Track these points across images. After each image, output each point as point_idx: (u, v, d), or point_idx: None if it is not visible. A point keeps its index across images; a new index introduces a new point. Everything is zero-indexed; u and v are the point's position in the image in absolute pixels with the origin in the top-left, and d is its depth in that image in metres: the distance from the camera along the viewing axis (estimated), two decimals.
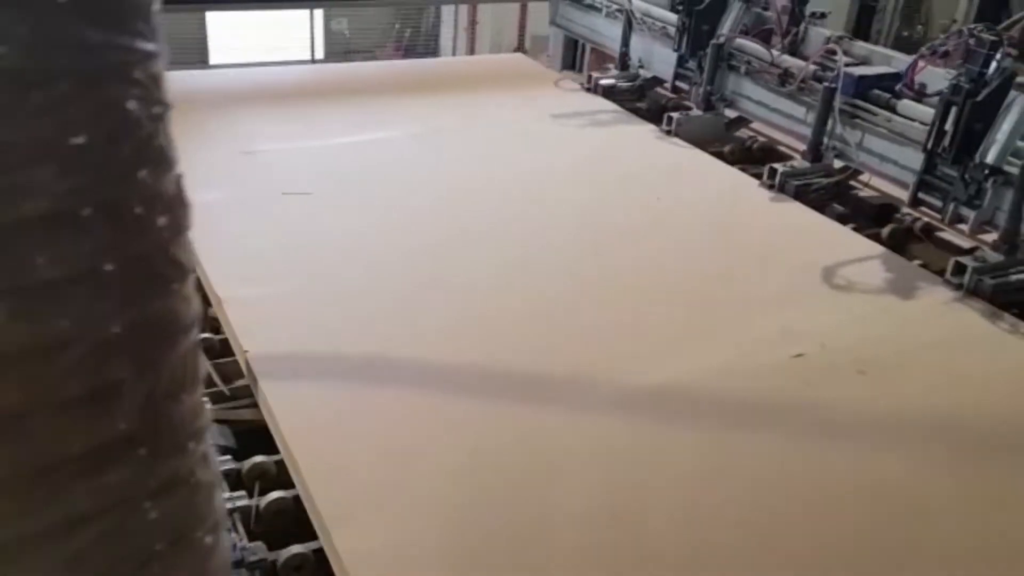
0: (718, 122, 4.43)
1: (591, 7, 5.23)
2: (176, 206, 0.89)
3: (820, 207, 3.70)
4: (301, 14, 7.78)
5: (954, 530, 2.09)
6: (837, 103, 3.63)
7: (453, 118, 4.46)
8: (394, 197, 3.58)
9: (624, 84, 4.89)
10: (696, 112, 4.41)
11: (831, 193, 3.77)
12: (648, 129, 4.47)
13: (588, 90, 4.91)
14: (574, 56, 5.66)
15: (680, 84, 4.61)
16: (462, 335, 2.67)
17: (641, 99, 4.90)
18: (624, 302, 2.94)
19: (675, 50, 4.51)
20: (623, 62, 4.96)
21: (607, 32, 5.13)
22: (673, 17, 4.53)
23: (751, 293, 3.01)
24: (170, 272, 0.87)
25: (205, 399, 0.94)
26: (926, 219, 3.53)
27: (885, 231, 3.55)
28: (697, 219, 3.57)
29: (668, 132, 4.37)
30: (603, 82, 4.87)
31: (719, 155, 4.26)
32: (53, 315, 0.76)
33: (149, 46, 0.84)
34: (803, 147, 3.88)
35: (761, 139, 4.45)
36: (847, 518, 2.09)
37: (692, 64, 4.47)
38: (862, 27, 8.04)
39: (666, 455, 2.25)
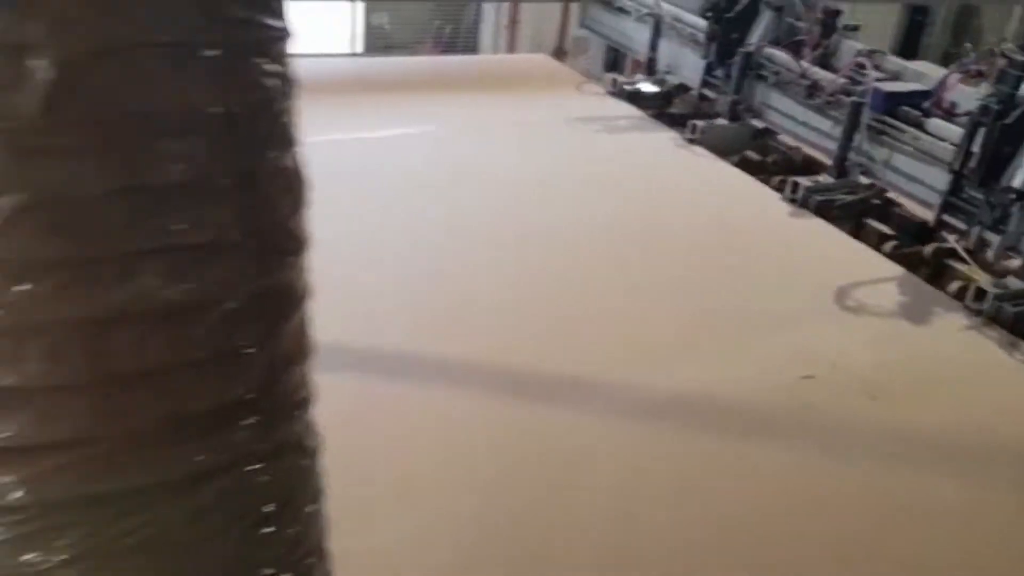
0: (743, 132, 4.44)
1: (620, 10, 5.23)
2: (296, 182, 0.92)
3: (857, 224, 3.68)
4: (342, 7, 7.72)
5: (956, 546, 2.12)
6: (865, 119, 3.63)
7: (472, 117, 4.47)
8: (403, 195, 3.57)
9: (650, 90, 4.91)
10: (721, 121, 4.43)
11: (855, 210, 3.75)
12: (670, 136, 4.47)
13: (612, 94, 4.93)
14: (615, 59, 5.61)
15: (707, 92, 4.62)
16: (462, 336, 2.67)
17: (667, 105, 4.91)
18: (635, 310, 2.94)
19: (703, 57, 4.52)
20: (650, 67, 4.97)
21: (635, 36, 5.14)
22: (704, 23, 4.53)
23: (766, 308, 3.01)
24: (290, 246, 0.90)
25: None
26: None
27: (928, 250, 3.50)
28: (715, 229, 3.57)
29: (691, 140, 4.38)
30: (628, 87, 4.89)
31: (760, 165, 4.26)
32: (196, 278, 0.79)
33: (284, 24, 0.87)
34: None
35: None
36: (847, 530, 2.12)
37: (720, 72, 4.48)
38: (911, 42, 7.87)
39: (671, 463, 2.27)
